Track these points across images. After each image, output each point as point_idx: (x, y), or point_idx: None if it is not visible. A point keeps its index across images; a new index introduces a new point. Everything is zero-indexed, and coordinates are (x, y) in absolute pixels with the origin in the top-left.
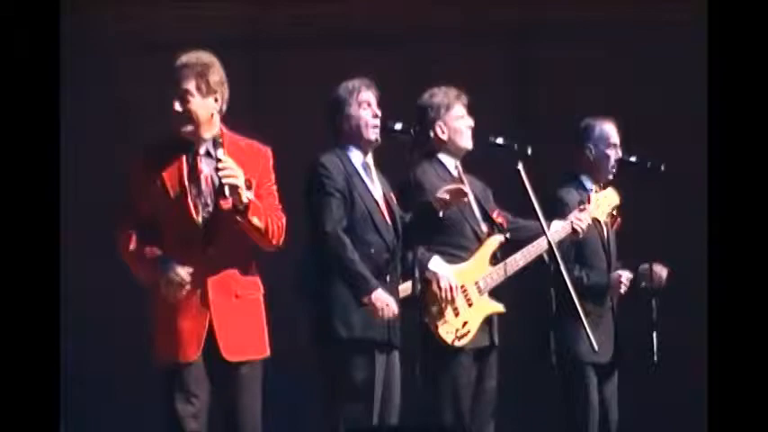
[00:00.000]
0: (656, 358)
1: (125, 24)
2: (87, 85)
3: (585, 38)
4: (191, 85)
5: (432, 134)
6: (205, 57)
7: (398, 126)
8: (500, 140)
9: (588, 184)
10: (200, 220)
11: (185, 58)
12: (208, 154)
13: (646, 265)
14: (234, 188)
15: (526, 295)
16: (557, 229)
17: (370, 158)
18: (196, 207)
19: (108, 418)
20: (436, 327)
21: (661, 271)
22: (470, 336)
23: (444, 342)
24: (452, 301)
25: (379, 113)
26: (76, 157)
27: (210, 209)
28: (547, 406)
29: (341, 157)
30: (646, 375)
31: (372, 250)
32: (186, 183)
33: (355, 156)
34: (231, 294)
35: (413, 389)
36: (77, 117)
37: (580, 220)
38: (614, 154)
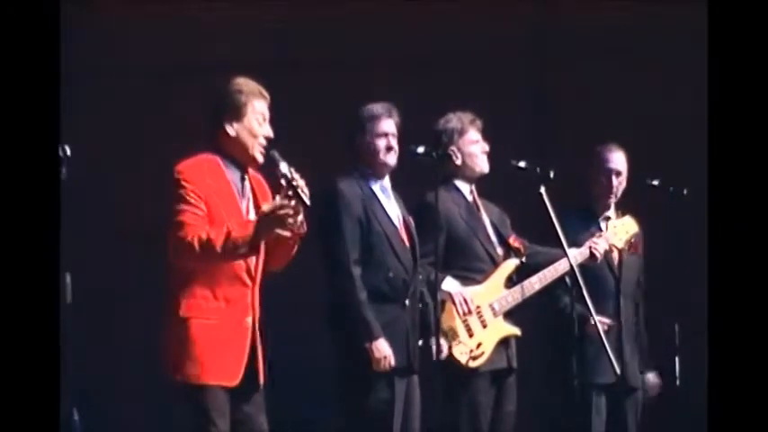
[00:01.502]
0: (678, 382)
1: (125, 23)
2: (87, 85)
3: (585, 38)
4: (264, 109)
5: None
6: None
7: (421, 149)
8: (522, 164)
9: (595, 210)
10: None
11: (247, 83)
12: (249, 176)
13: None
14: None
15: (546, 319)
16: (574, 254)
17: (387, 181)
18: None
19: (108, 418)
20: (450, 347)
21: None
22: (485, 357)
23: (458, 362)
24: (469, 312)
25: (394, 146)
26: (76, 158)
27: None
28: (566, 429)
29: (359, 180)
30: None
31: (391, 274)
32: (239, 202)
33: (373, 179)
34: (258, 317)
35: (432, 414)
36: (77, 117)
37: (597, 244)
38: (614, 181)
